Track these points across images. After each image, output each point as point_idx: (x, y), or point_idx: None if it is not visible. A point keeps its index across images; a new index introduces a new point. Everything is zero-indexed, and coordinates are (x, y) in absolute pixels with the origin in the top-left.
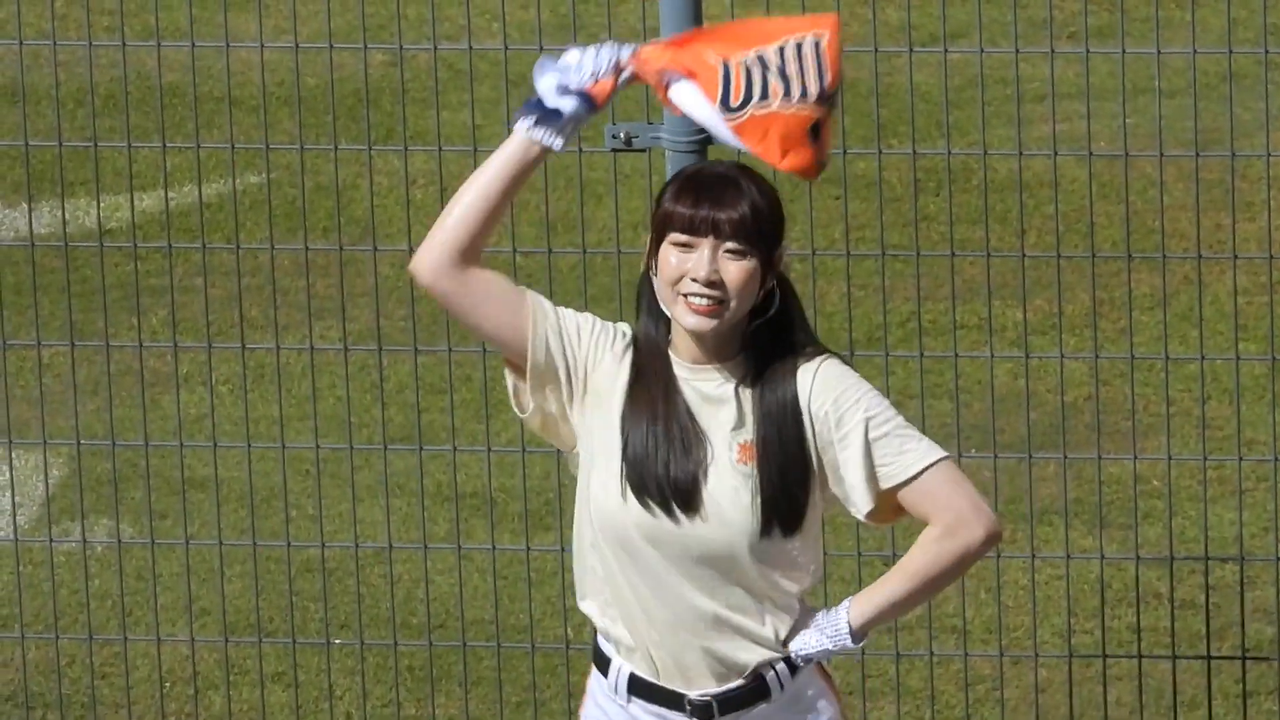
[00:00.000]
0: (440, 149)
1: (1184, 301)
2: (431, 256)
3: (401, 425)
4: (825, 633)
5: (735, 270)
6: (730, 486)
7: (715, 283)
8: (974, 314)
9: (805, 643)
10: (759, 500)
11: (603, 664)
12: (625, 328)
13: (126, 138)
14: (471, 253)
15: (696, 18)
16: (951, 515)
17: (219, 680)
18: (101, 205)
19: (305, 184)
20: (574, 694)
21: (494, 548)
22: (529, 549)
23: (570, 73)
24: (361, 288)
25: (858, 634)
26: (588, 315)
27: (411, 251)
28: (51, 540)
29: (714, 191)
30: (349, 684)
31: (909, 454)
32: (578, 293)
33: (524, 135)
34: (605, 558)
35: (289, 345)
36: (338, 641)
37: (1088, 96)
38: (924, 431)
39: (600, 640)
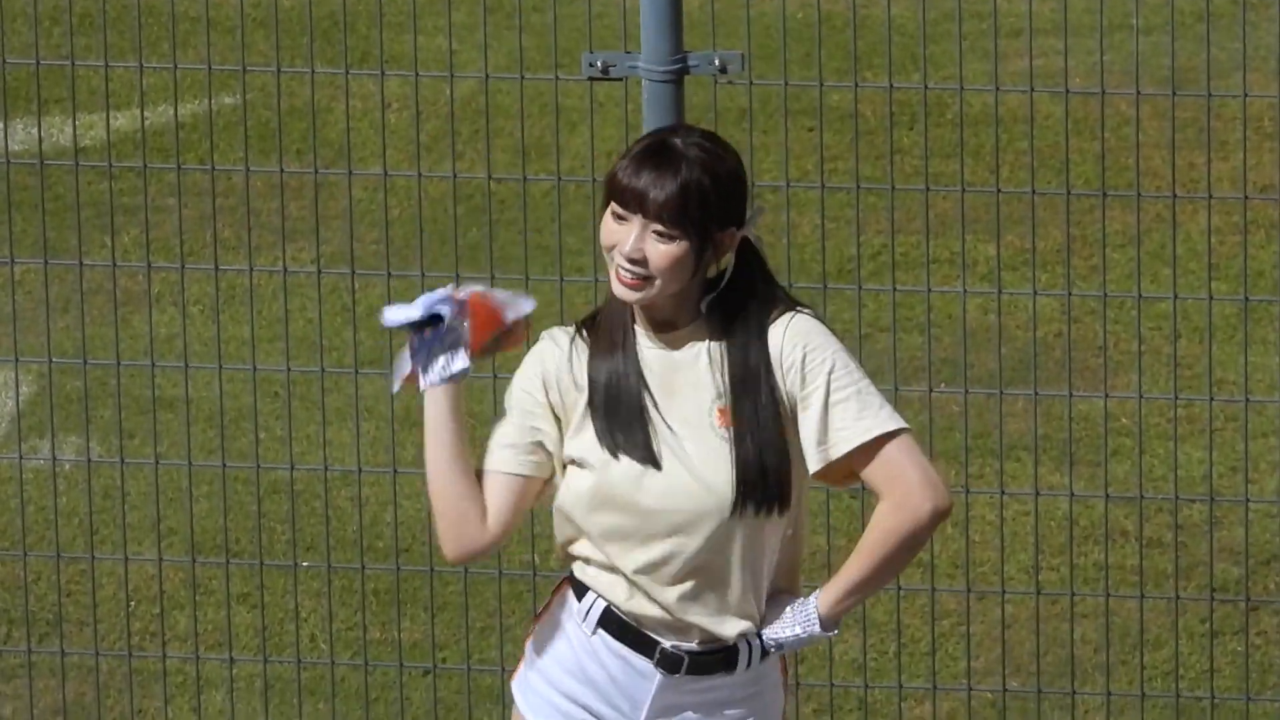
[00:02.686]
0: (416, 74)
1: (1157, 240)
2: (462, 550)
3: (372, 349)
4: (798, 621)
5: (660, 252)
6: (711, 450)
7: (638, 260)
8: (946, 248)
9: (779, 631)
10: (736, 471)
11: (578, 591)
12: (559, 333)
13: (103, 56)
14: (480, 516)
15: None
16: (900, 489)
17: (185, 600)
18: (77, 124)
19: (280, 106)
20: None
21: None
22: None
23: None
24: (335, 210)
25: (826, 621)
26: (528, 373)
27: (386, 175)
28: (21, 457)
29: (654, 167)
30: (314, 606)
31: (865, 419)
32: (551, 218)
33: (434, 382)
34: (600, 534)
35: (261, 267)
36: (304, 564)
37: (1065, 32)
38: (894, 365)
39: (577, 570)
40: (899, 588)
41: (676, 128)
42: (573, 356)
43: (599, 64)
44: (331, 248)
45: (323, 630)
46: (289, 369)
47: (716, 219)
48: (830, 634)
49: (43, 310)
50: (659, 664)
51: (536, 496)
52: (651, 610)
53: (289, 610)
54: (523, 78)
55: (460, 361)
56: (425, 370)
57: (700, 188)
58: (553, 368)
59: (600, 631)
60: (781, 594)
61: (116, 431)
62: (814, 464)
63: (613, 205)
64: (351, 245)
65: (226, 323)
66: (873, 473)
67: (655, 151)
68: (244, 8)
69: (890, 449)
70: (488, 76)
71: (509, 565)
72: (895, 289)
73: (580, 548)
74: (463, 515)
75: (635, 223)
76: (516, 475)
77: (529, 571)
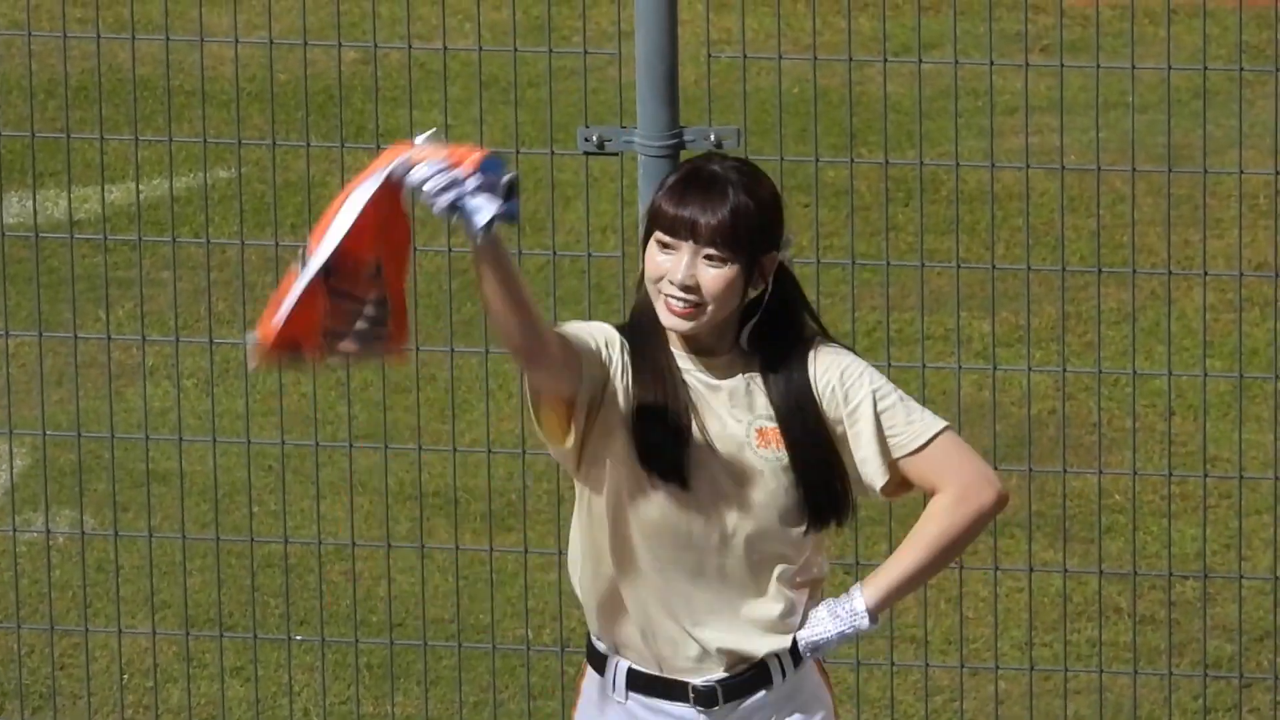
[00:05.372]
0: None
1: (1151, 317)
2: (540, 343)
3: (366, 423)
4: (839, 618)
5: (712, 277)
6: (752, 470)
7: (691, 287)
8: (941, 324)
9: (817, 632)
10: (800, 488)
11: (598, 663)
12: (614, 332)
13: (99, 129)
14: (539, 337)
15: (672, 21)
16: (961, 481)
17: (178, 673)
18: (71, 197)
19: (275, 180)
20: (533, 695)
21: (456, 547)
22: (491, 549)
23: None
24: None
25: (873, 613)
26: (602, 329)
27: None
28: (14, 530)
29: (700, 193)
30: (308, 680)
31: (916, 424)
32: (546, 293)
33: (478, 234)
34: (622, 554)
35: None
36: (298, 637)
37: (1061, 109)
38: None
39: (593, 640)
40: (892, 663)
41: (710, 156)
42: (624, 354)
43: (595, 139)
44: None
45: (316, 704)
46: (283, 443)
47: (761, 242)
48: (874, 627)
49: (37, 383)
50: (695, 703)
51: (569, 385)
52: (676, 645)
53: (282, 684)
54: (518, 152)
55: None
56: (506, 209)
57: (748, 210)
58: (616, 341)
59: (632, 694)
60: (808, 597)
61: (110, 504)
62: (880, 475)
63: (657, 235)
64: None
65: (221, 396)
66: (927, 471)
67: (700, 178)
68: (239, 81)
69: (941, 446)
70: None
71: (503, 640)
72: (890, 364)
73: (598, 597)
74: (536, 320)
75: (685, 250)
76: (578, 345)
77: (522, 646)
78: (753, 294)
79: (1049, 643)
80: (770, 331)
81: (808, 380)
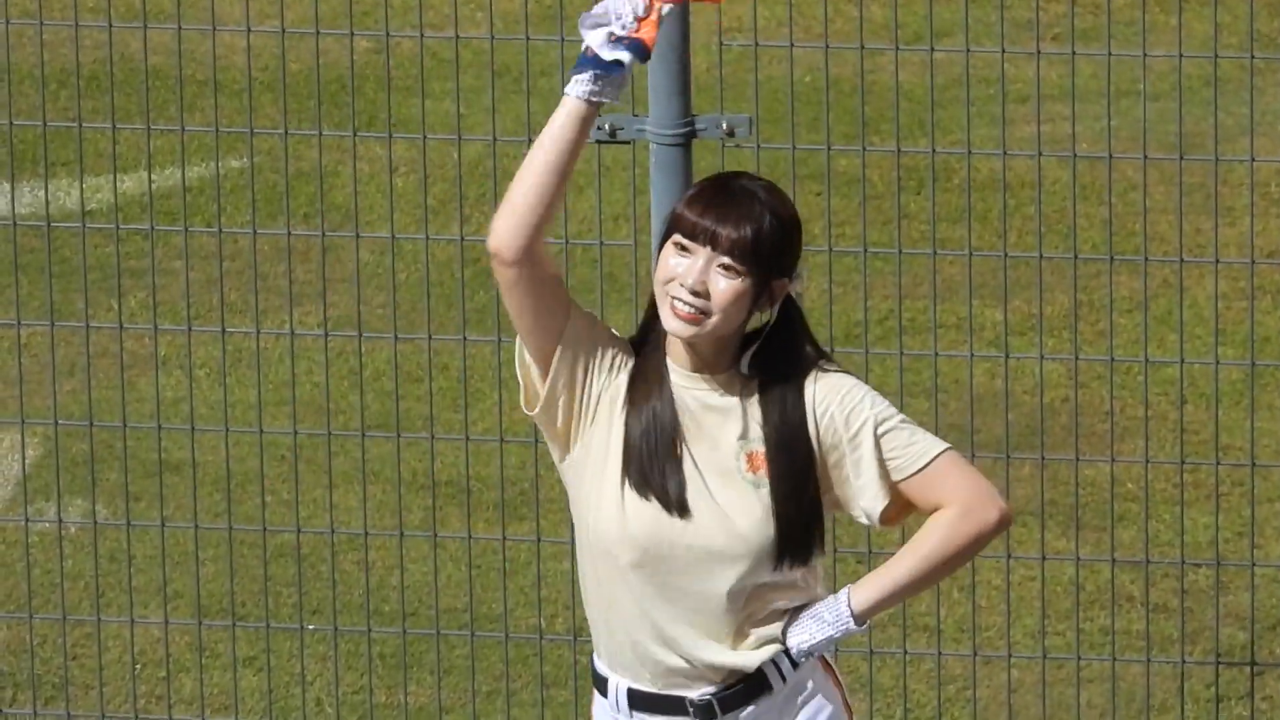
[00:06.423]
0: (424, 137)
1: (1163, 305)
2: (513, 235)
3: (379, 412)
4: (825, 620)
5: (724, 287)
6: (739, 495)
7: (700, 293)
8: (953, 313)
9: (805, 635)
10: (774, 518)
11: (601, 685)
12: (629, 346)
13: (110, 119)
14: (546, 228)
15: (684, 9)
16: (964, 498)
17: (191, 663)
18: (83, 186)
19: (288, 169)
20: (546, 684)
21: (469, 536)
22: (504, 538)
23: (614, 21)
24: (342, 274)
25: (860, 618)
26: (615, 336)
27: (393, 237)
28: (27, 520)
29: (726, 204)
30: (321, 669)
31: (917, 445)
32: (558, 282)
33: (582, 96)
34: (604, 570)
35: (268, 330)
36: (311, 627)
37: (1073, 98)
38: None
39: (595, 661)
40: (905, 652)
41: (739, 174)
42: (628, 368)
43: (607, 127)
44: (338, 311)
45: (329, 694)
46: (296, 432)
47: (777, 264)
48: (862, 629)
49: (49, 373)
50: (695, 717)
51: (543, 325)
52: (669, 659)
53: (295, 674)
54: (530, 141)
55: (618, 91)
56: (603, 65)
57: (771, 228)
58: (622, 368)
59: (635, 714)
60: (800, 608)
61: (123, 494)
62: (878, 501)
63: (676, 238)
64: (358, 308)
65: (233, 386)
66: (929, 491)
67: (728, 189)
68: (251, 71)
69: (943, 466)
70: (495, 140)
71: (516, 629)
72: (902, 353)
73: (594, 610)
74: (534, 216)
75: (701, 255)
76: (569, 315)
77: (535, 635)
78: (759, 316)
79: (1061, 631)
80: (769, 358)
81: (802, 410)
